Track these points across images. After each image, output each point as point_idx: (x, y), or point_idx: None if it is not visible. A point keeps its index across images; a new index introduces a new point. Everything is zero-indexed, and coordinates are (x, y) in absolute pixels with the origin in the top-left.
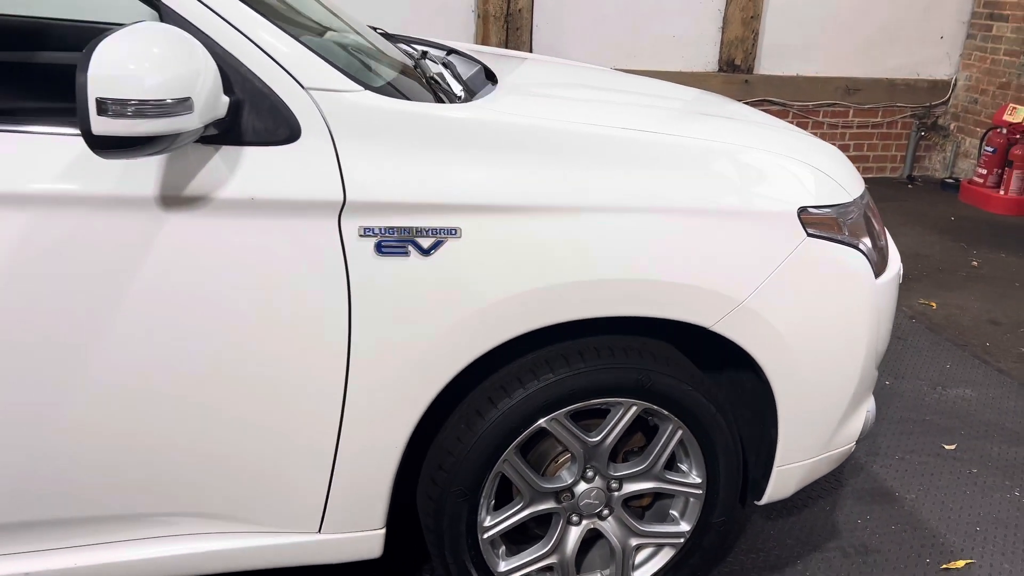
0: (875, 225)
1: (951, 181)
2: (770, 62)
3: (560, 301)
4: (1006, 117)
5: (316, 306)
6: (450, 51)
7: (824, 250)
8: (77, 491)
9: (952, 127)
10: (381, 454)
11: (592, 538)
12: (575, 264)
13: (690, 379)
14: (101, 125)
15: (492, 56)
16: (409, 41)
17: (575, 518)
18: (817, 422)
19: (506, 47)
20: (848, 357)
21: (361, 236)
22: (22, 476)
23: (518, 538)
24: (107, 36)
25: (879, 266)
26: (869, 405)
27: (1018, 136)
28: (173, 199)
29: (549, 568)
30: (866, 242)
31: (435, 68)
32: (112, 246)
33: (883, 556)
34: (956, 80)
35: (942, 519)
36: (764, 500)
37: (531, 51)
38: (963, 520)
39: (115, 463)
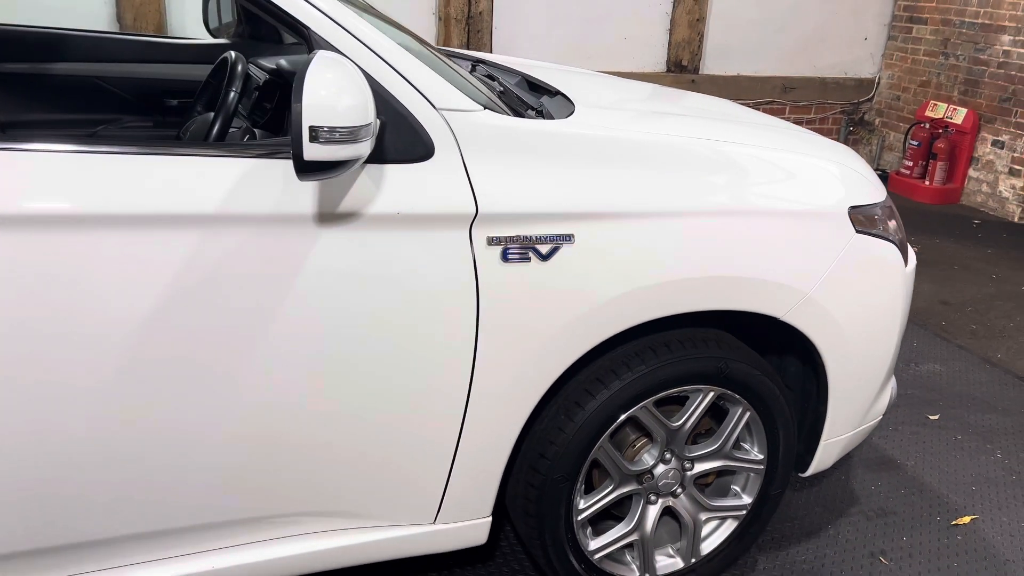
0: (897, 219)
1: (880, 173)
2: (714, 63)
3: (659, 298)
4: (928, 113)
5: (449, 311)
6: (476, 62)
7: (867, 244)
8: (222, 497)
9: (877, 122)
10: (497, 446)
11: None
12: (672, 263)
13: (757, 365)
14: (312, 151)
15: (518, 66)
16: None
17: (653, 497)
18: (858, 398)
19: (467, 48)
20: (885, 338)
21: (489, 245)
22: (176, 486)
23: (594, 519)
24: (310, 66)
25: (904, 256)
26: (892, 382)
27: (940, 131)
28: (329, 216)
29: (629, 545)
30: (895, 235)
31: (491, 82)
32: (273, 261)
33: (899, 517)
34: (880, 78)
35: (942, 481)
36: (809, 472)
37: (491, 52)
38: (959, 481)
39: (259, 469)
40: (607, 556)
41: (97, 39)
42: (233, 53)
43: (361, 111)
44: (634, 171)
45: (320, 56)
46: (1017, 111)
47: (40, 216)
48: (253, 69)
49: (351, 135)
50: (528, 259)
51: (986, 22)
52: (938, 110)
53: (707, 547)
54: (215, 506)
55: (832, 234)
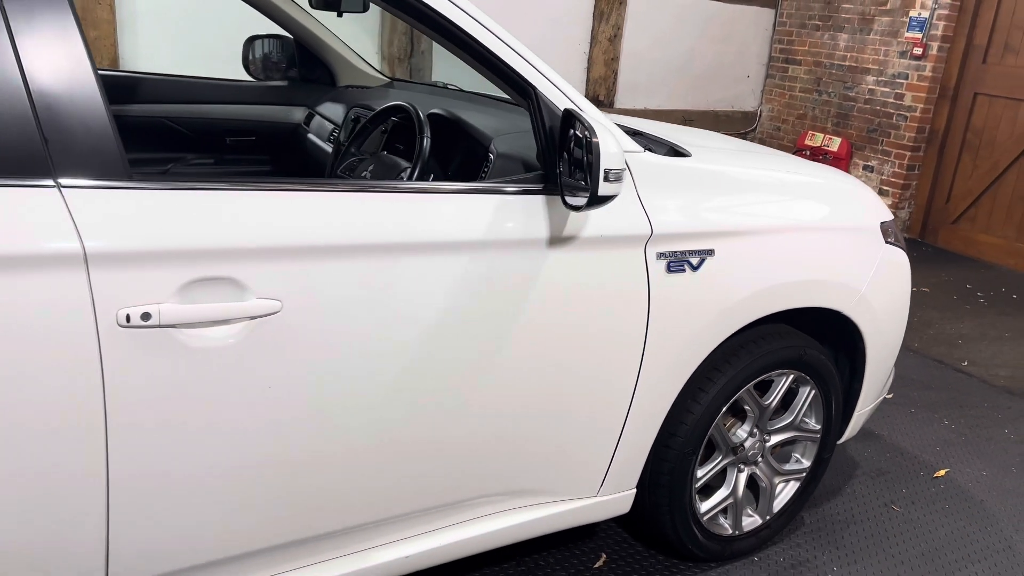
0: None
1: None
2: (625, 97)
3: (772, 298)
4: (807, 142)
5: (630, 314)
6: None
7: (890, 251)
8: (438, 485)
9: None
10: (650, 426)
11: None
12: (781, 270)
13: (821, 351)
14: (604, 189)
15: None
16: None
17: (742, 466)
18: (881, 376)
19: None
20: (900, 326)
21: (657, 259)
22: (400, 480)
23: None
24: (596, 126)
25: None
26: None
27: (820, 157)
28: (556, 239)
29: (724, 510)
30: (901, 243)
31: None
32: (517, 277)
33: (893, 475)
34: (761, 111)
35: (913, 445)
36: (843, 439)
37: None
38: (925, 444)
39: (479, 457)
40: (711, 518)
41: (163, 81)
42: (409, 103)
43: (622, 158)
44: (749, 197)
45: (586, 116)
46: (883, 140)
47: (375, 246)
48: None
49: (619, 176)
50: (684, 270)
51: (853, 64)
52: (816, 139)
53: (777, 505)
54: (435, 491)
55: (873, 244)
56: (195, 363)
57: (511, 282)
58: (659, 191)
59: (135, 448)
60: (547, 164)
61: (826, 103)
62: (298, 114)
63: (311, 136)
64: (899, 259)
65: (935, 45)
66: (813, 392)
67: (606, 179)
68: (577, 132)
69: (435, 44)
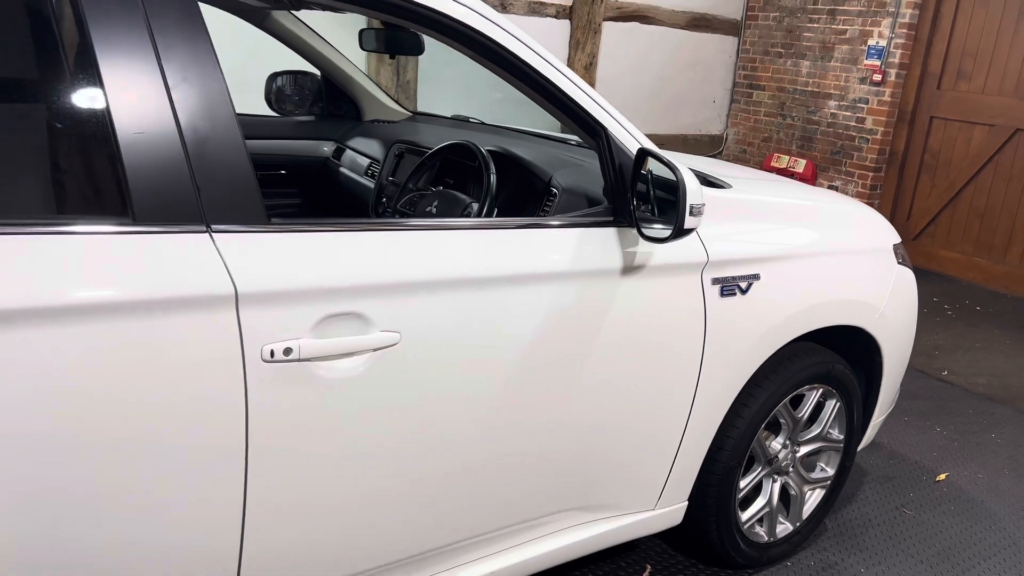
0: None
1: None
2: None
3: (811, 317)
4: (773, 164)
5: (689, 337)
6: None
7: (902, 271)
8: (527, 500)
9: None
10: (703, 440)
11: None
12: (817, 291)
13: (845, 366)
14: (689, 222)
15: None
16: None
17: (776, 476)
18: (894, 387)
19: None
20: (910, 339)
21: (712, 284)
22: (497, 496)
23: None
24: (677, 165)
25: None
26: None
27: (788, 177)
28: (628, 268)
29: (759, 519)
30: (908, 263)
31: None
32: (592, 305)
33: (899, 480)
34: (727, 135)
35: (911, 451)
36: (860, 447)
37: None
38: (923, 449)
39: (553, 474)
40: (749, 527)
41: None
42: (470, 142)
43: (702, 194)
44: (786, 225)
45: (665, 156)
46: (846, 161)
47: (482, 279)
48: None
49: (701, 211)
50: (735, 294)
51: (815, 90)
52: (781, 161)
53: (806, 512)
54: (528, 507)
55: (888, 265)
56: (326, 393)
57: (591, 308)
58: (713, 221)
59: (270, 468)
60: (617, 199)
61: (790, 127)
62: (326, 148)
63: (344, 170)
64: (908, 278)
65: (893, 72)
66: (838, 404)
67: (690, 213)
68: (652, 170)
69: (419, 74)
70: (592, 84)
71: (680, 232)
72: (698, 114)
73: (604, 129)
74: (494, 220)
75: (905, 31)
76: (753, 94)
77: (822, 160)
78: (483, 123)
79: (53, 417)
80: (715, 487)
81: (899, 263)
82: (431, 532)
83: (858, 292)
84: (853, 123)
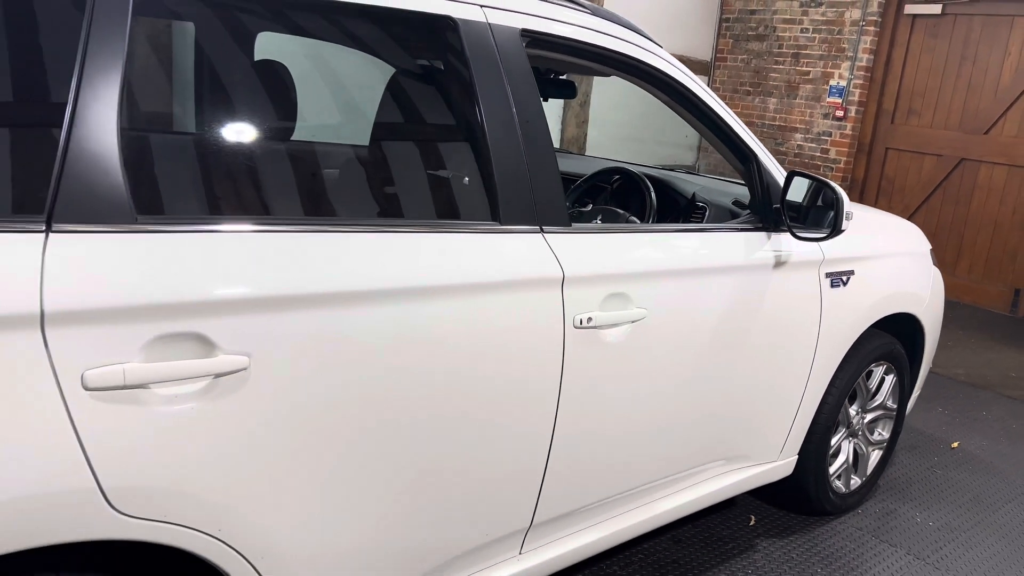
0: None
1: None
2: (593, 154)
3: (887, 305)
4: None
5: (811, 317)
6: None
7: (935, 271)
8: (693, 449)
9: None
10: (814, 402)
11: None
12: (889, 284)
13: (900, 346)
14: (844, 225)
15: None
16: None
17: (850, 438)
18: (928, 365)
19: None
20: (940, 325)
21: (825, 277)
22: (678, 443)
23: None
24: (830, 180)
25: None
26: None
27: None
28: (777, 262)
29: (839, 475)
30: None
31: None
32: (754, 289)
33: (923, 448)
34: (699, 165)
35: (924, 426)
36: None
37: None
38: (933, 424)
39: (713, 428)
40: (833, 480)
41: None
42: (623, 166)
43: (848, 203)
44: (866, 232)
45: (815, 175)
46: None
47: (698, 269)
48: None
49: (850, 216)
50: (839, 285)
51: (782, 124)
52: None
53: (869, 468)
54: (691, 454)
55: (928, 265)
56: (607, 352)
57: (754, 292)
58: None
59: (571, 416)
60: (764, 210)
61: None
62: None
63: None
64: (939, 276)
65: (853, 108)
66: (895, 379)
67: (846, 219)
68: (809, 186)
69: None
70: (586, 120)
71: (836, 232)
72: (673, 148)
73: (755, 156)
74: (707, 224)
75: (863, 73)
76: None
77: None
78: (583, 154)
79: (458, 356)
80: (815, 444)
81: (934, 264)
82: (647, 467)
83: (913, 286)
84: (818, 153)
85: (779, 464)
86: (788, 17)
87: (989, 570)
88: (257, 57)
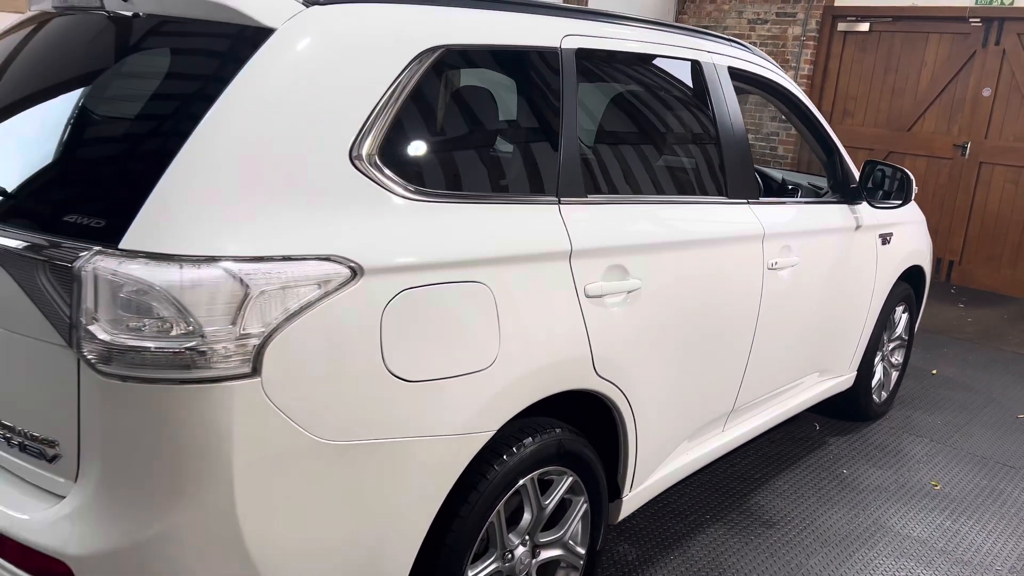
0: None
1: None
2: None
3: (912, 258)
4: None
5: (870, 265)
6: None
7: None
8: (801, 368)
9: None
10: (870, 328)
11: None
12: (907, 242)
13: (912, 292)
14: (911, 197)
15: None
16: None
17: (881, 362)
18: (923, 307)
19: None
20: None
21: (878, 237)
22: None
23: None
24: (899, 166)
25: None
26: None
27: None
28: (859, 226)
29: (875, 391)
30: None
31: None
32: (843, 246)
33: (912, 376)
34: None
35: (930, 366)
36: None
37: None
38: (913, 359)
39: (814, 349)
40: (874, 392)
41: None
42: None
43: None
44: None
45: (888, 163)
46: None
47: (816, 230)
48: None
49: (917, 190)
50: (886, 243)
51: None
52: None
53: (891, 386)
54: (799, 368)
55: (925, 229)
56: (779, 284)
57: (844, 247)
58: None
59: (763, 333)
60: (843, 189)
61: None
62: None
63: None
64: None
65: None
66: (907, 316)
67: (914, 192)
68: (883, 171)
69: None
70: None
71: (907, 202)
72: None
73: (838, 148)
74: (825, 199)
75: (804, 80)
76: None
77: None
78: None
79: (730, 286)
80: (866, 362)
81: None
82: (787, 373)
83: (922, 245)
84: (768, 151)
85: (849, 376)
86: (737, 32)
87: (987, 447)
88: (634, 97)
